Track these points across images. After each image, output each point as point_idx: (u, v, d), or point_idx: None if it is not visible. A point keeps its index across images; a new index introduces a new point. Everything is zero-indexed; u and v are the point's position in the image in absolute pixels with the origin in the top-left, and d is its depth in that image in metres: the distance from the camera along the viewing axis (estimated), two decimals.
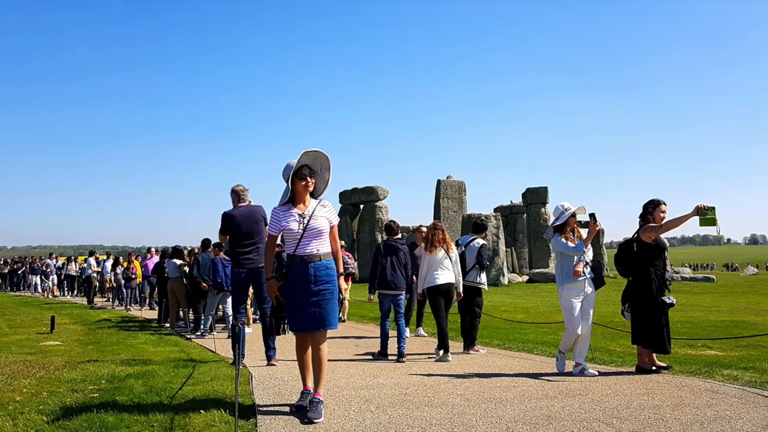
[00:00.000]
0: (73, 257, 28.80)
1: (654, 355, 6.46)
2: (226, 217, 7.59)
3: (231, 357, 7.39)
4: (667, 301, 6.36)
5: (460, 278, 8.17)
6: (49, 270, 26.48)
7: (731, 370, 6.45)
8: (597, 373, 6.31)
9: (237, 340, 4.77)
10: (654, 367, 6.41)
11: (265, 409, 4.68)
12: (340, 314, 13.04)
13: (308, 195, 4.76)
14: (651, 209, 6.52)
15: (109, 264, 21.60)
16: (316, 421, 4.25)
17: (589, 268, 6.59)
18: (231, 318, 10.33)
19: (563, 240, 6.61)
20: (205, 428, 4.15)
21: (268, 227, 4.82)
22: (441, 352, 7.78)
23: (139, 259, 19.87)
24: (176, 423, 4.29)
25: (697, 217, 6.07)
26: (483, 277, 8.57)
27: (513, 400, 5.00)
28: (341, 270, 4.83)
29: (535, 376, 6.29)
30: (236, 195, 7.74)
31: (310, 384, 4.66)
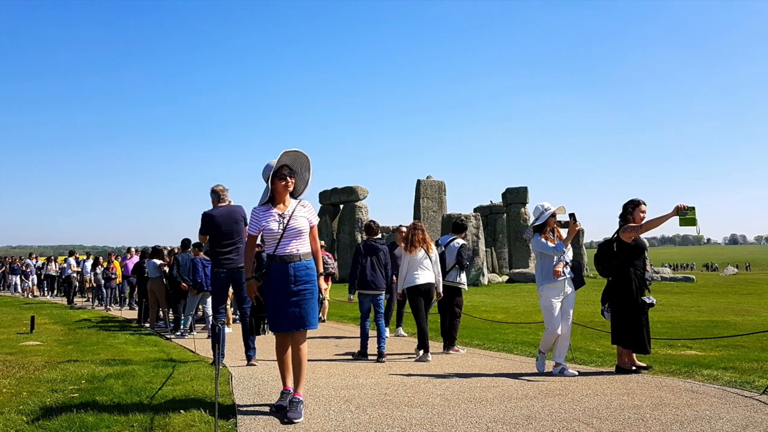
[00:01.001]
0: (52, 257, 28.55)
1: (634, 355, 6.50)
2: (206, 217, 7.55)
3: (211, 357, 7.35)
4: (647, 301, 6.39)
5: (440, 278, 8.18)
6: (28, 270, 26.21)
7: (711, 370, 6.50)
8: (577, 373, 6.34)
9: (217, 340, 4.76)
10: (634, 367, 6.44)
11: (244, 409, 4.66)
12: (320, 314, 13.01)
13: (288, 195, 4.75)
14: (631, 209, 6.55)
15: (89, 264, 21.39)
16: (296, 421, 4.24)
17: (569, 268, 6.62)
18: (211, 318, 10.27)
19: (543, 240, 6.63)
20: (185, 428, 4.12)
21: (247, 227, 4.80)
22: (421, 352, 7.78)
23: (119, 259, 19.72)
24: (156, 423, 4.25)
25: (677, 217, 6.10)
26: (463, 277, 8.58)
27: (493, 400, 5.01)
28: (321, 270, 4.83)
29: (515, 376, 6.31)
30: (216, 195, 7.71)
31: (290, 384, 4.65)
